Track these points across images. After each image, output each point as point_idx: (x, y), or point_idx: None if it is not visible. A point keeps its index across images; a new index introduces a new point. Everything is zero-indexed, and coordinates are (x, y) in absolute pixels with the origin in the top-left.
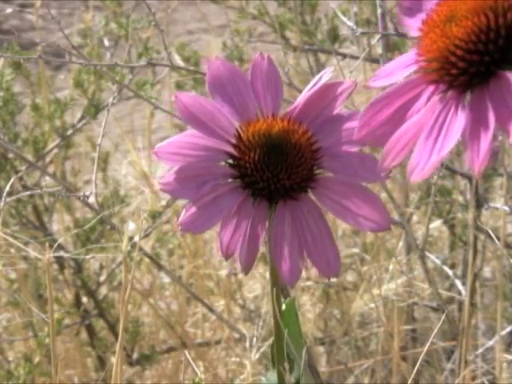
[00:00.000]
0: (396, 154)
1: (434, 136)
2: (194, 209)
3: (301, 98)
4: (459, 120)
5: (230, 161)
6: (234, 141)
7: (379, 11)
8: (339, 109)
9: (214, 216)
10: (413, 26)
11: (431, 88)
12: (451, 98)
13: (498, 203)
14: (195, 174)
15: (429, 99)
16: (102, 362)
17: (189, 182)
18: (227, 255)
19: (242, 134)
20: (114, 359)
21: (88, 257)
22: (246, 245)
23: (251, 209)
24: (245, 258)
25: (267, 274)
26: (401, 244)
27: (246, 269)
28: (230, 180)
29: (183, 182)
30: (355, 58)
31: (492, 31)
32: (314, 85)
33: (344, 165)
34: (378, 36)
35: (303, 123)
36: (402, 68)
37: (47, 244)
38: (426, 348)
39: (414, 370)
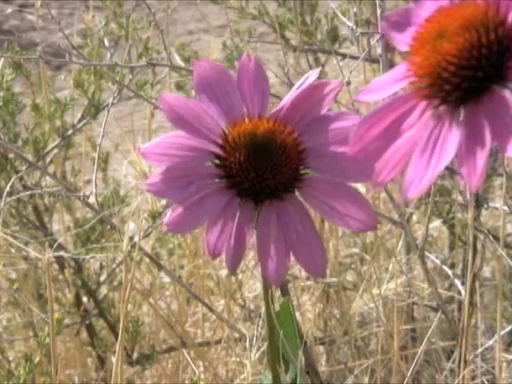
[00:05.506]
0: (390, 170)
1: (429, 152)
2: (180, 209)
3: (287, 99)
4: (454, 136)
5: (216, 161)
6: (219, 141)
7: (379, 11)
8: (326, 109)
9: (200, 216)
10: (401, 40)
11: (423, 103)
12: (444, 114)
13: (498, 203)
14: (181, 174)
15: (421, 114)
16: (102, 362)
17: (175, 182)
18: (214, 255)
19: (227, 135)
20: (114, 359)
21: (88, 257)
22: (233, 245)
23: (237, 209)
24: (231, 258)
25: None
26: (400, 244)
27: (233, 268)
28: (215, 180)
29: (169, 182)
30: (355, 58)
31: (484, 47)
32: (301, 85)
33: (331, 165)
34: (377, 36)
35: (290, 123)
36: (392, 83)
37: (47, 244)
38: (423, 346)
39: (412, 369)
